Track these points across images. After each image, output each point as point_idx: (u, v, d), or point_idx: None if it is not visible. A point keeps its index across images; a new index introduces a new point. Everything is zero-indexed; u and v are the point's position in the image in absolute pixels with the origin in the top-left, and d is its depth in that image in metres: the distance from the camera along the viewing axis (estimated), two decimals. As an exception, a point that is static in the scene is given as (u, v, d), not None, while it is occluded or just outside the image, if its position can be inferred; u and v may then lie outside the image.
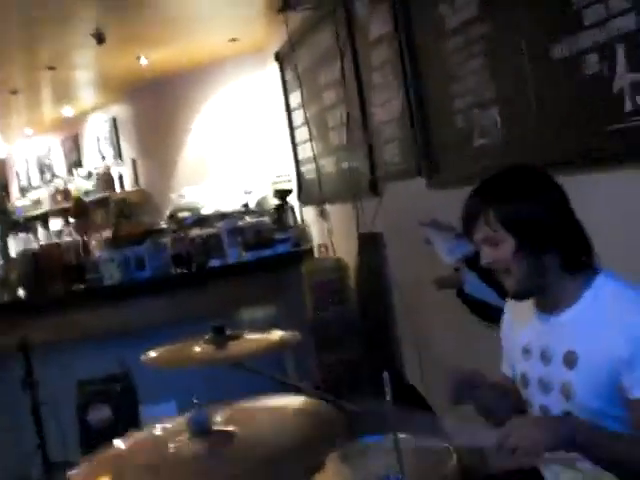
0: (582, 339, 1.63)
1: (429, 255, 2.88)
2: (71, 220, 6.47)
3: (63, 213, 8.43)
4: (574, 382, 1.63)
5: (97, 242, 6.03)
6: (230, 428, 1.40)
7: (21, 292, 4.83)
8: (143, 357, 2.27)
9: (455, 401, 1.81)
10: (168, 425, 1.53)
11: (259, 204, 5.82)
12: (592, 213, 1.75)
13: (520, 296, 1.74)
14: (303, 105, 4.92)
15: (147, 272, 4.63)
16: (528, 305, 1.79)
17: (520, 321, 1.85)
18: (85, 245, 5.08)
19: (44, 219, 9.10)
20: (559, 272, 1.67)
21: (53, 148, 9.16)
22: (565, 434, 1.49)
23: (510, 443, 1.51)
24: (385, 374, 1.42)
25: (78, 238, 4.94)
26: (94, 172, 7.86)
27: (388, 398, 1.41)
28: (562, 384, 1.66)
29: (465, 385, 1.81)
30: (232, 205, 5.89)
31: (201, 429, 1.34)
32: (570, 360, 1.64)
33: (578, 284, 1.67)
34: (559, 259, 1.67)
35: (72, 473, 1.34)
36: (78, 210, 5.77)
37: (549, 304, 1.72)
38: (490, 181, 1.74)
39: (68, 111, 7.87)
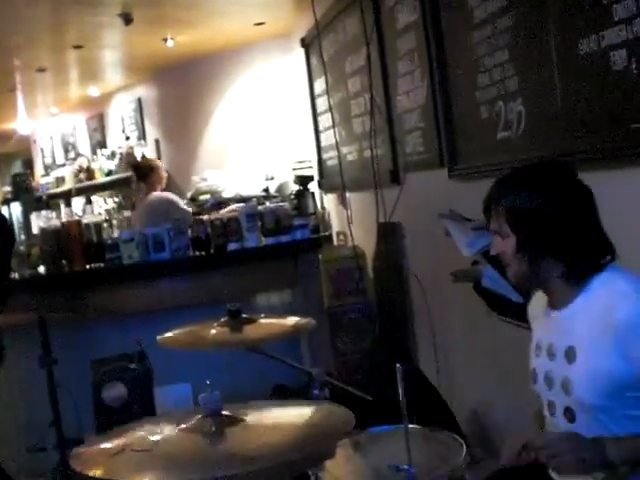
0: (578, 334, 1.63)
1: (448, 247, 2.88)
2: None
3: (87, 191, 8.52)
4: (573, 377, 1.63)
5: (118, 221, 6.05)
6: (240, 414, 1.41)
7: (42, 268, 4.87)
8: (159, 338, 2.28)
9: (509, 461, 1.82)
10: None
11: (280, 189, 5.82)
12: (611, 210, 1.73)
13: (517, 290, 1.75)
14: (327, 92, 4.91)
15: (166, 253, 4.64)
16: (543, 301, 1.78)
17: (536, 317, 1.85)
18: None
19: (67, 197, 9.16)
20: (558, 278, 1.65)
21: (78, 127, 9.21)
22: (599, 453, 1.47)
23: (550, 459, 1.50)
24: (398, 366, 1.42)
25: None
26: (117, 152, 7.89)
27: (400, 390, 1.41)
28: (562, 379, 1.66)
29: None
30: (253, 190, 5.90)
31: (212, 410, 1.35)
32: (570, 355, 1.64)
33: (580, 281, 1.65)
34: (560, 267, 1.64)
35: (76, 451, 1.35)
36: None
37: (554, 300, 1.72)
38: (510, 174, 1.73)
39: (94, 91, 7.92)
